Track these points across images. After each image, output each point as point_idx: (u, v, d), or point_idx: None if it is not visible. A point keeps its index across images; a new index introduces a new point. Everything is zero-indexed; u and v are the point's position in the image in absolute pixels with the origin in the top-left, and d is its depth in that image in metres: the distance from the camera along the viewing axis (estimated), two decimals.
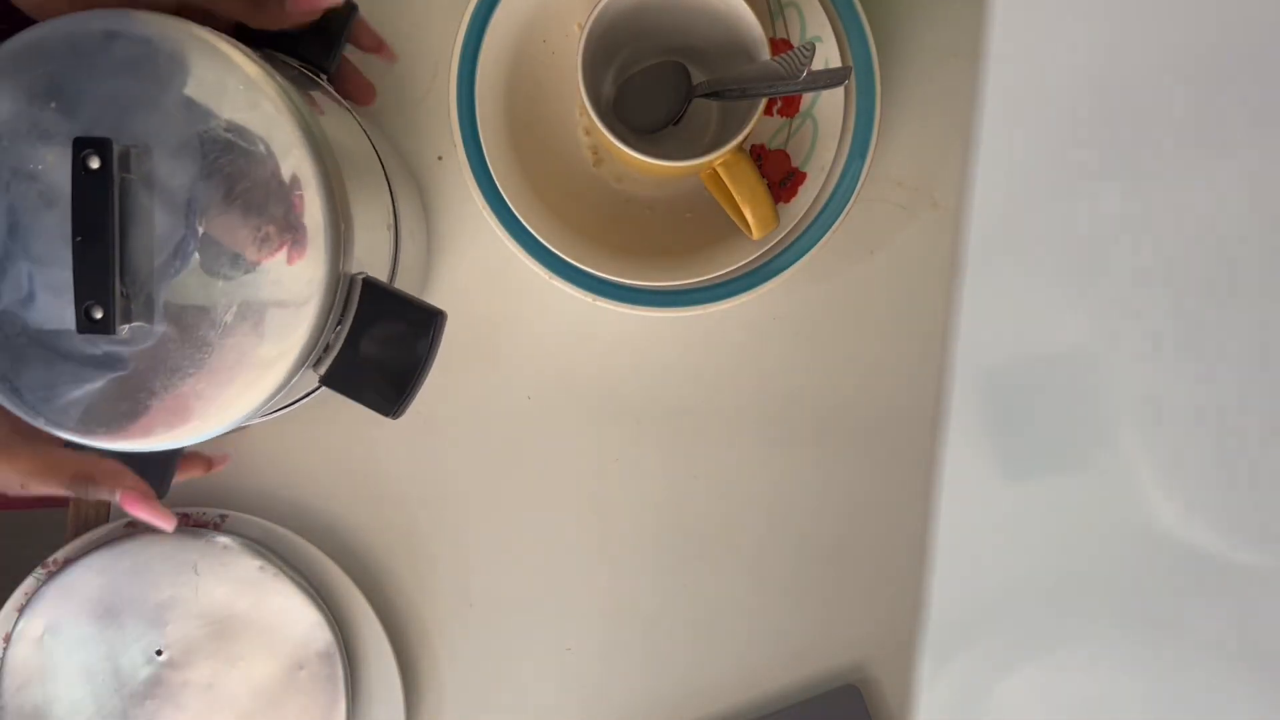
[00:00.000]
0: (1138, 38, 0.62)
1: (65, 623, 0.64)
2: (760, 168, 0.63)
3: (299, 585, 0.65)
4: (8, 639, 0.64)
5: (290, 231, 0.49)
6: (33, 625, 0.64)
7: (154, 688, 0.64)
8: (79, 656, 0.64)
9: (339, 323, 0.52)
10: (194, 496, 0.68)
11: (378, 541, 0.68)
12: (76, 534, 0.67)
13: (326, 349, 0.52)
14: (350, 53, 0.63)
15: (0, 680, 0.64)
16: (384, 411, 0.53)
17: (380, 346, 0.52)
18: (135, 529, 0.66)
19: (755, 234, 0.61)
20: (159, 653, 0.65)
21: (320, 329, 0.51)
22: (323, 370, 0.52)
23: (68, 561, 0.65)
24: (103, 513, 0.68)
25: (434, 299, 0.68)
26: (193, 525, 0.66)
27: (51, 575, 0.65)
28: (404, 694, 0.66)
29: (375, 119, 0.68)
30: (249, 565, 0.64)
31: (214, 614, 0.65)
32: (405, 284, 0.62)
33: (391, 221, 0.60)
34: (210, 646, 0.65)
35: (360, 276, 0.52)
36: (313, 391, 0.59)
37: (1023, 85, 0.65)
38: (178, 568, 0.64)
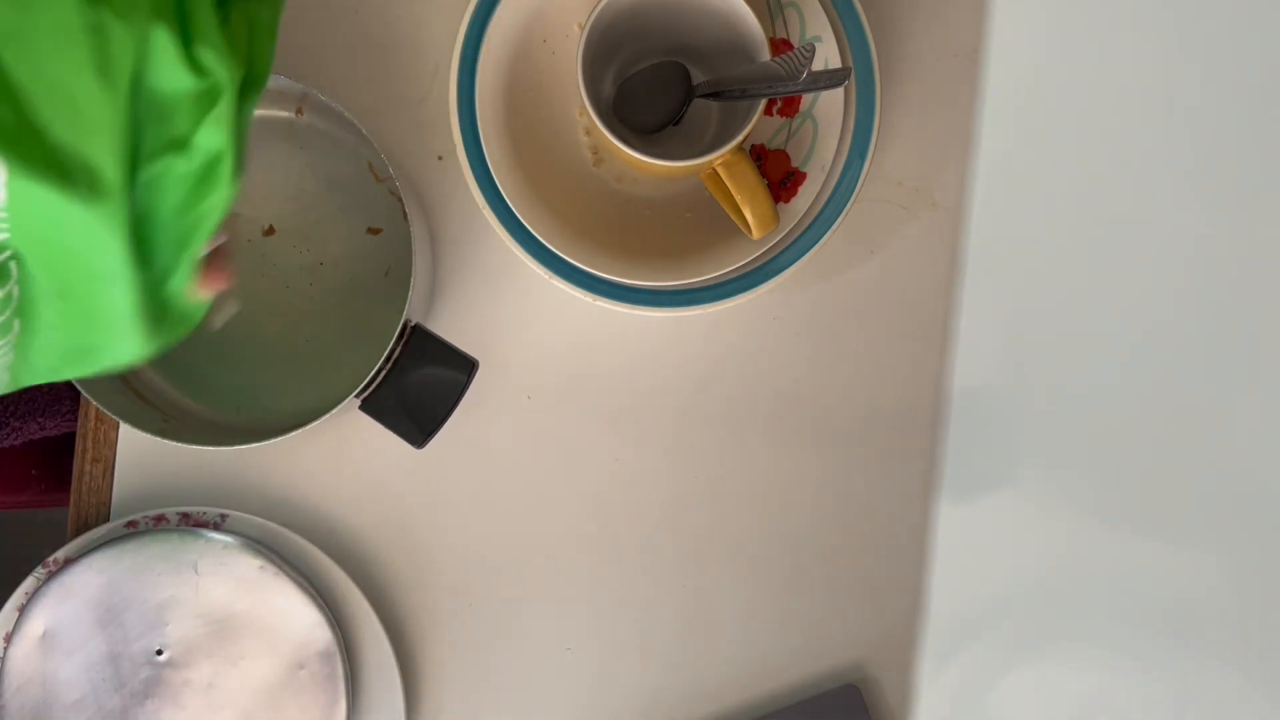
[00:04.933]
0: (1137, 38, 0.62)
1: (65, 622, 0.64)
2: (760, 168, 0.63)
3: (299, 585, 0.65)
4: (8, 638, 0.64)
5: None
6: (33, 625, 0.64)
7: (154, 687, 0.64)
8: (79, 656, 0.64)
9: (386, 360, 0.58)
10: (194, 496, 0.68)
11: (378, 541, 0.68)
12: (77, 534, 0.67)
13: (371, 380, 0.58)
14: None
15: (0, 680, 0.64)
16: (412, 441, 0.59)
17: (417, 383, 0.59)
18: (135, 528, 0.66)
19: (755, 234, 0.61)
20: (159, 652, 0.65)
21: (373, 365, 0.58)
22: (362, 399, 0.59)
23: (68, 561, 0.65)
24: (103, 513, 0.68)
25: (435, 300, 0.69)
26: (193, 525, 0.66)
27: (52, 575, 0.65)
28: (404, 694, 0.66)
29: (376, 119, 0.68)
30: (249, 565, 0.64)
31: (214, 613, 0.65)
32: (417, 295, 0.63)
33: (407, 254, 0.61)
34: (210, 646, 0.65)
35: (411, 323, 0.59)
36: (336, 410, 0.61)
37: (1023, 85, 0.65)
38: (178, 567, 0.64)
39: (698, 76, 0.65)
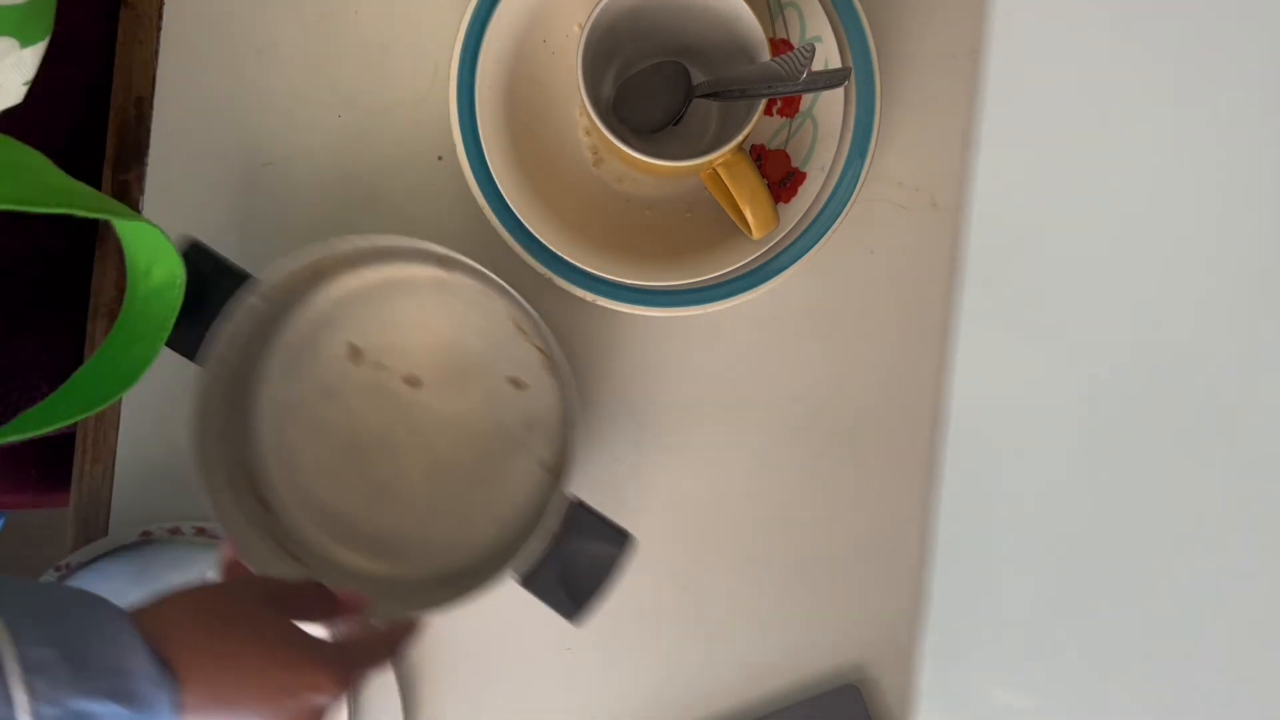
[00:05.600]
0: (1135, 38, 0.62)
1: None
2: (760, 168, 0.63)
3: None
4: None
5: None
6: None
7: None
8: None
9: (549, 539, 0.59)
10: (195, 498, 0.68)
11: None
12: (76, 534, 0.67)
13: (531, 559, 0.59)
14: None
15: None
16: (567, 617, 0.59)
17: (573, 558, 0.59)
18: (150, 536, 0.65)
19: (755, 234, 0.61)
20: None
21: (508, 516, 0.62)
22: (522, 574, 0.59)
23: (80, 566, 0.65)
24: (103, 513, 0.68)
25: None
26: (206, 536, 0.66)
27: (63, 578, 0.64)
28: (401, 698, 0.65)
29: (375, 119, 0.68)
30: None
31: None
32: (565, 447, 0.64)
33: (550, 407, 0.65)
34: None
35: (574, 500, 0.59)
36: None
37: (1022, 85, 0.65)
38: (188, 576, 0.64)
39: (698, 76, 0.65)
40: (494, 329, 0.66)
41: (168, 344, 0.59)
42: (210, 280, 0.59)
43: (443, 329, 0.66)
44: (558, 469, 0.64)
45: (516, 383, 0.65)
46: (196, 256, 0.59)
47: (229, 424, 0.63)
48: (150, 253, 0.57)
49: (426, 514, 0.66)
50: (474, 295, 0.65)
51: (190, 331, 0.59)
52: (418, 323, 0.66)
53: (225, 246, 0.69)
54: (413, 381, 0.65)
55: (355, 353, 0.65)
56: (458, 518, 0.66)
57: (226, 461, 0.62)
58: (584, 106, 0.61)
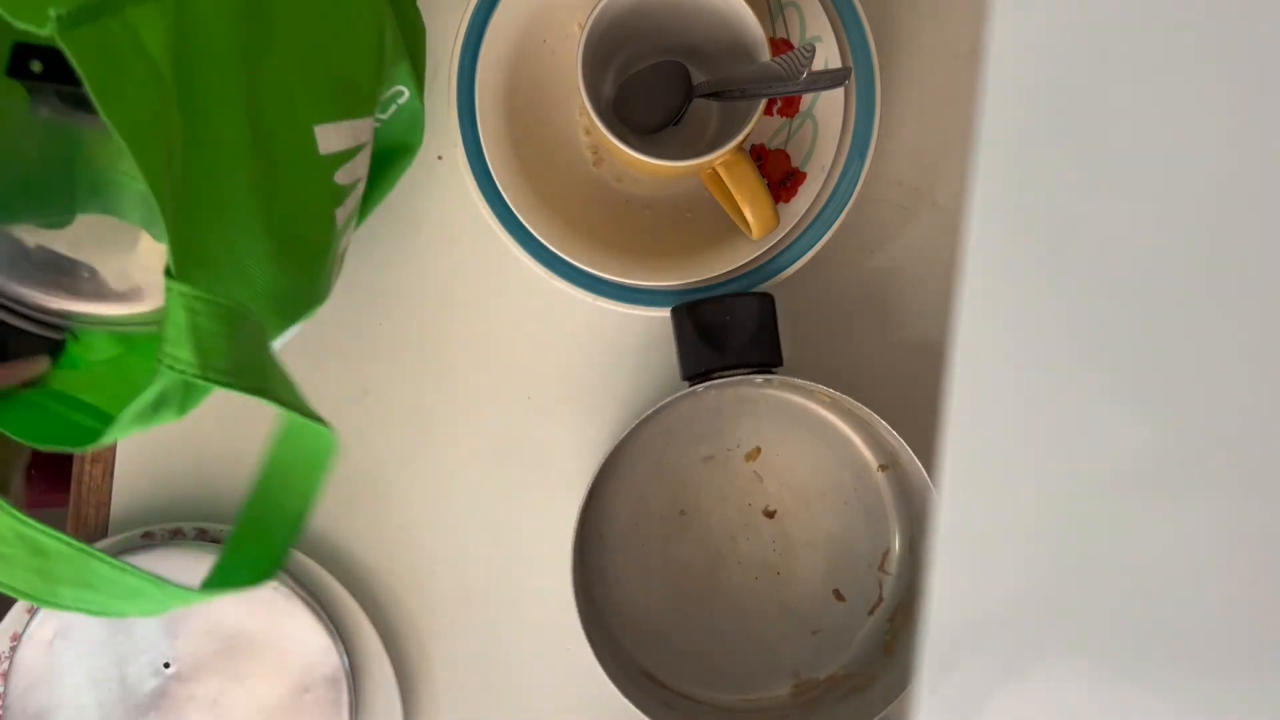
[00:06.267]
0: (1139, 36, 0.62)
1: (76, 627, 0.63)
2: (760, 168, 0.63)
3: (311, 608, 0.64)
4: (17, 638, 0.64)
5: None
6: (44, 628, 0.63)
7: (159, 699, 0.64)
8: (88, 663, 0.63)
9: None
10: (213, 512, 0.67)
11: (382, 561, 0.67)
12: (77, 535, 0.67)
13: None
14: None
15: (7, 680, 0.63)
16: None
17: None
18: (153, 539, 0.65)
19: (755, 234, 0.61)
20: (167, 665, 0.64)
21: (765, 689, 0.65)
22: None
23: None
24: (103, 513, 0.68)
25: (433, 299, 0.68)
26: (210, 540, 0.65)
27: None
28: (401, 698, 0.65)
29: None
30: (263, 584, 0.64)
31: (224, 630, 0.64)
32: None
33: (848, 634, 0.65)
34: (218, 663, 0.64)
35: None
36: None
37: (1023, 85, 0.65)
38: (192, 579, 0.64)
39: (698, 76, 0.65)
40: (868, 540, 0.67)
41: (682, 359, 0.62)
42: (756, 336, 0.62)
43: (833, 496, 0.67)
44: (809, 689, 0.66)
45: (839, 595, 0.66)
46: (765, 306, 0.62)
47: None
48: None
49: (689, 635, 0.67)
50: (877, 503, 0.67)
51: (705, 353, 0.62)
52: (823, 477, 0.67)
53: None
54: (769, 514, 0.67)
55: (754, 453, 0.67)
56: (709, 654, 0.67)
57: None
58: (584, 106, 0.61)
